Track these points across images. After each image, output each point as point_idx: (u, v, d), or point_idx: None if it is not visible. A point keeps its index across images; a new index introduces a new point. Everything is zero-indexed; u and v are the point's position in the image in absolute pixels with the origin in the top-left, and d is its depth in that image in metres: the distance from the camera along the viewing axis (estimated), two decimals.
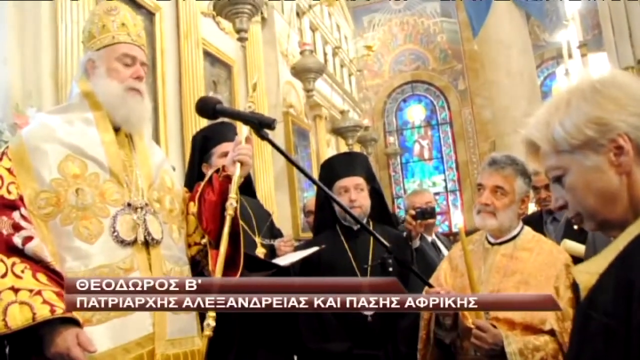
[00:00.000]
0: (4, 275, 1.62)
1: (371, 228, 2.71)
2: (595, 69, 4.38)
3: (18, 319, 1.57)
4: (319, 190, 2.93)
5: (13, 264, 1.64)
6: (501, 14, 8.72)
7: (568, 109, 1.06)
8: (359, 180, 2.72)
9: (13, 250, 1.66)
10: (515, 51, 8.75)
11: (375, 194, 2.84)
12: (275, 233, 2.97)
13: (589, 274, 1.02)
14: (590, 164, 1.04)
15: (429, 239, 4.04)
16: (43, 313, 1.58)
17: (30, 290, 1.61)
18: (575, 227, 2.61)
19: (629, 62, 2.95)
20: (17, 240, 1.68)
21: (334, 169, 2.79)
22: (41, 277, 1.65)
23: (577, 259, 2.41)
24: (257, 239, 2.71)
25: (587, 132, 1.03)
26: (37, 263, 1.67)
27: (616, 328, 0.90)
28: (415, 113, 13.95)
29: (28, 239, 1.69)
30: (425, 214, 2.84)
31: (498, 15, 8.69)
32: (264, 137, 1.76)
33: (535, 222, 2.89)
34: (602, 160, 1.03)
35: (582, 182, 1.05)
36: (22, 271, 1.64)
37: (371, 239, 2.65)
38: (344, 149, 9.64)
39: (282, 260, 2.41)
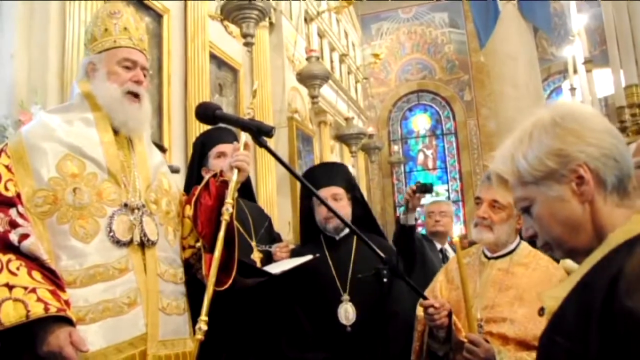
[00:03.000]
0: None
1: (356, 237, 2.73)
2: (600, 85, 4.37)
3: (11, 315, 1.57)
4: (302, 202, 2.96)
5: (9, 261, 1.65)
6: (509, 26, 8.70)
7: (530, 142, 1.10)
8: (337, 190, 2.73)
9: (9, 248, 1.67)
10: (522, 64, 8.73)
11: (359, 203, 2.84)
12: (275, 237, 2.98)
13: (554, 298, 1.05)
14: (554, 194, 1.08)
15: (438, 246, 4.09)
16: (37, 311, 1.59)
17: (25, 288, 1.61)
18: None
19: (633, 80, 2.94)
20: (13, 237, 1.68)
21: (313, 180, 2.78)
22: (36, 275, 1.66)
23: None
24: (253, 244, 2.71)
25: (548, 163, 1.07)
26: (33, 261, 1.68)
27: (579, 352, 0.92)
28: (421, 122, 13.94)
29: (24, 236, 1.70)
30: (426, 188, 3.12)
31: (506, 28, 8.67)
32: (262, 144, 1.76)
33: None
34: (565, 190, 1.07)
35: (548, 212, 1.09)
36: (18, 268, 1.65)
37: (353, 249, 2.69)
38: (347, 156, 9.65)
39: (274, 268, 2.41)
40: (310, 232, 2.84)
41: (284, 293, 2.60)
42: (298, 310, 2.59)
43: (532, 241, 2.41)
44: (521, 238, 2.29)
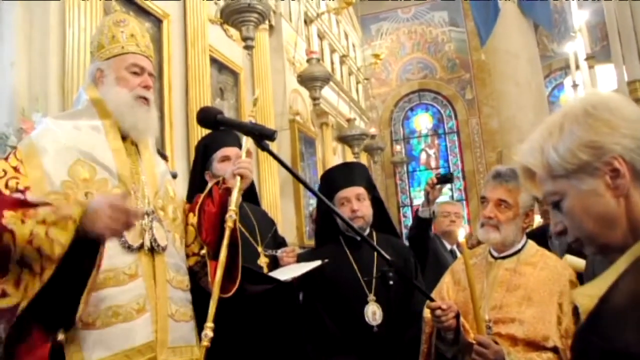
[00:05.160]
0: (23, 222, 1.61)
1: (374, 238, 2.71)
2: (602, 81, 4.35)
3: (62, 233, 1.58)
4: (320, 201, 2.93)
5: (24, 213, 1.63)
6: (509, 24, 8.70)
7: (561, 133, 1.05)
8: (360, 190, 2.71)
9: (19, 204, 1.66)
10: (523, 61, 8.72)
11: (376, 203, 2.82)
12: (280, 242, 2.96)
13: (589, 297, 0.99)
14: (587, 188, 1.02)
15: (448, 247, 4.09)
16: (76, 212, 1.60)
17: (52, 211, 1.62)
18: None
19: (637, 76, 2.92)
20: (18, 195, 1.71)
21: (334, 180, 2.78)
22: (52, 206, 1.66)
23: (581, 275, 2.38)
24: (260, 248, 2.70)
25: (581, 156, 1.01)
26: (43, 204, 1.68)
27: (617, 353, 0.88)
28: (423, 122, 13.92)
29: (24, 191, 1.73)
30: (447, 178, 3.23)
31: (506, 25, 8.66)
32: (265, 148, 1.75)
33: (540, 237, 2.86)
34: (599, 183, 1.01)
35: (580, 207, 1.03)
36: (35, 209, 1.64)
37: None
38: (350, 157, 9.62)
39: (283, 274, 2.39)
40: (327, 233, 2.81)
41: (305, 296, 2.58)
42: (322, 313, 2.57)
43: (538, 239, 2.40)
44: (528, 237, 2.27)
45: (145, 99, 2.00)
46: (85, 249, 1.62)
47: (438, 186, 3.22)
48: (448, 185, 13.22)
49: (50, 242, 1.58)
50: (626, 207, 1.01)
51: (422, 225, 3.37)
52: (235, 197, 1.95)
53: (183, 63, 5.46)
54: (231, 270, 1.97)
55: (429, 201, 3.23)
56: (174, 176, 2.40)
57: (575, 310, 1.97)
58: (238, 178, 1.99)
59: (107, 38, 2.01)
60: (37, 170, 1.81)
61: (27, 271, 1.60)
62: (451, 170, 13.33)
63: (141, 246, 1.85)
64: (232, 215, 1.91)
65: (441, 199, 3.82)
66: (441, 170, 13.26)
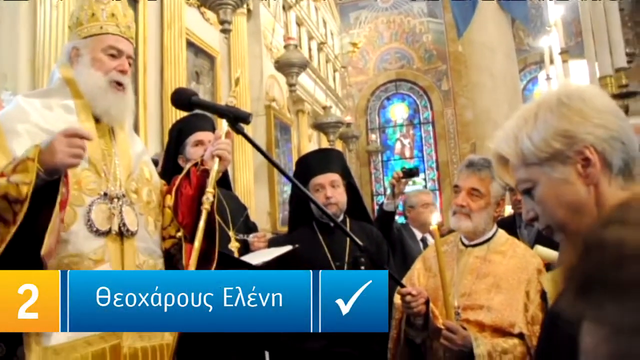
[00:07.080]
0: None
1: (348, 224, 2.72)
2: (575, 76, 4.42)
3: (24, 174, 1.57)
4: (294, 186, 2.93)
5: None
6: (486, 17, 8.77)
7: (535, 122, 1.07)
8: (335, 177, 2.71)
9: None
10: (499, 54, 8.82)
11: (351, 189, 2.83)
12: (251, 227, 2.95)
13: (555, 282, 1.02)
14: (558, 176, 1.04)
15: (419, 235, 4.12)
16: (32, 151, 1.59)
17: (9, 162, 1.61)
18: None
19: (607, 71, 2.97)
20: None
21: (309, 166, 2.77)
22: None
23: (550, 265, 2.43)
24: (231, 233, 2.69)
25: (554, 144, 1.04)
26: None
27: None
28: (398, 111, 13.98)
29: None
30: (412, 172, 3.29)
31: (483, 18, 8.73)
32: (239, 131, 1.74)
33: (509, 226, 2.91)
34: (570, 172, 1.03)
35: (551, 194, 1.06)
36: None
37: None
38: (325, 144, 9.63)
39: (254, 259, 2.38)
40: (301, 218, 2.80)
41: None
42: None
43: (507, 229, 2.44)
44: (499, 226, 2.31)
45: (120, 84, 1.93)
46: (48, 193, 1.60)
47: (403, 180, 3.24)
48: (422, 176, 13.37)
49: (15, 185, 1.56)
50: (596, 196, 1.03)
51: (385, 218, 3.39)
52: (213, 179, 1.93)
53: (159, 45, 5.39)
54: (208, 253, 1.95)
55: (394, 194, 3.25)
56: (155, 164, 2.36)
57: (544, 297, 2.02)
58: (216, 159, 1.95)
59: (86, 15, 1.93)
60: (3, 153, 1.75)
61: (2, 224, 1.57)
62: (425, 160, 13.46)
63: (109, 230, 1.81)
64: (209, 197, 1.88)
65: (414, 187, 3.84)
66: (415, 161, 13.38)
